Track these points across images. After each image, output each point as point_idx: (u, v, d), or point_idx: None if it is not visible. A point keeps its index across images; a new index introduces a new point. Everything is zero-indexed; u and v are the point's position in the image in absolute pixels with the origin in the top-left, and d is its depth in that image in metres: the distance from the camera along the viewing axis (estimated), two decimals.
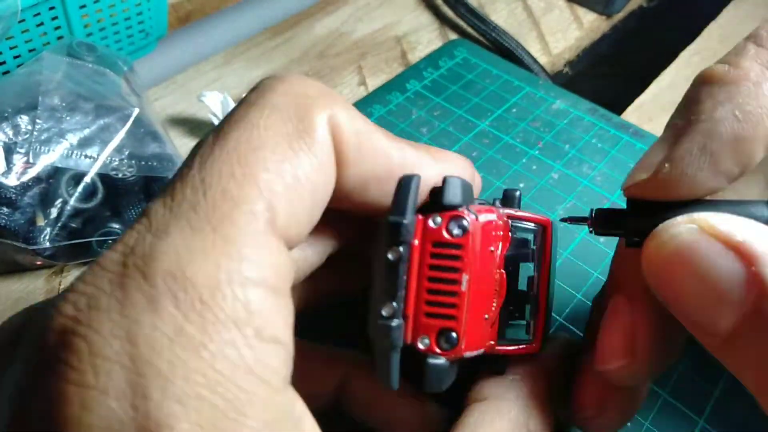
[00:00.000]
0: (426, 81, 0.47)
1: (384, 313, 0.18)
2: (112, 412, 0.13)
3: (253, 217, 0.15)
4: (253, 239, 0.15)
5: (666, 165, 0.18)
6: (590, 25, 0.56)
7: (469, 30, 0.54)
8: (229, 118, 0.17)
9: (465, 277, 0.19)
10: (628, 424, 0.26)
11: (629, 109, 0.47)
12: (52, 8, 0.38)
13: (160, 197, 0.15)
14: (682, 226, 0.17)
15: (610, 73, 0.56)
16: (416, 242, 0.19)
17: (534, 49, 0.53)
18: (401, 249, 0.18)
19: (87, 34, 0.41)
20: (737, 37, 0.19)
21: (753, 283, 0.16)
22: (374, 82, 0.49)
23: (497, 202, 0.23)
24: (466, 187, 0.20)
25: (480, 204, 0.21)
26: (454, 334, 0.19)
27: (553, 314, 0.31)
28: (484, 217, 0.20)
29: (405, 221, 0.18)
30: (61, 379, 0.13)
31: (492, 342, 0.21)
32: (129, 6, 0.42)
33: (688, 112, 0.18)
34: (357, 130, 0.18)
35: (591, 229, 0.21)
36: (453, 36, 0.54)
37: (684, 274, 0.17)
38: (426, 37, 0.54)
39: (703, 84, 0.18)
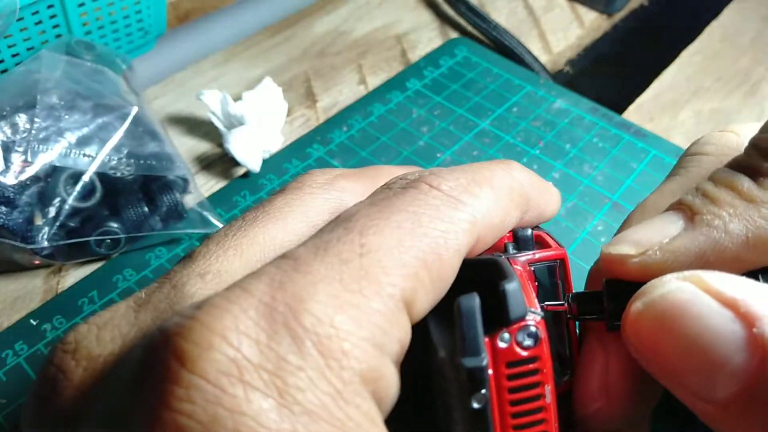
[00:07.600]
0: (426, 80, 0.47)
1: None
2: None
3: (394, 291, 0.15)
4: (394, 314, 0.15)
5: (657, 251, 0.17)
6: (591, 23, 0.56)
7: (470, 28, 0.54)
8: (387, 199, 0.17)
9: (548, 388, 0.17)
10: None
11: (630, 108, 0.47)
12: (50, 6, 0.38)
13: (311, 244, 0.16)
14: (674, 283, 0.16)
15: (611, 72, 0.56)
16: (490, 372, 0.16)
17: (535, 47, 0.53)
18: (484, 392, 0.16)
19: (85, 32, 0.41)
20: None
21: (755, 347, 0.14)
22: (374, 81, 0.48)
23: (510, 248, 0.21)
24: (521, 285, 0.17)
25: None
26: None
27: None
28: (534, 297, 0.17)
29: (484, 363, 0.16)
30: (227, 409, 0.13)
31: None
32: (128, 4, 0.42)
33: (702, 203, 0.18)
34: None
35: (569, 315, 0.20)
36: (453, 35, 0.54)
37: (676, 336, 0.15)
38: (426, 35, 0.53)
39: (724, 186, 0.18)
